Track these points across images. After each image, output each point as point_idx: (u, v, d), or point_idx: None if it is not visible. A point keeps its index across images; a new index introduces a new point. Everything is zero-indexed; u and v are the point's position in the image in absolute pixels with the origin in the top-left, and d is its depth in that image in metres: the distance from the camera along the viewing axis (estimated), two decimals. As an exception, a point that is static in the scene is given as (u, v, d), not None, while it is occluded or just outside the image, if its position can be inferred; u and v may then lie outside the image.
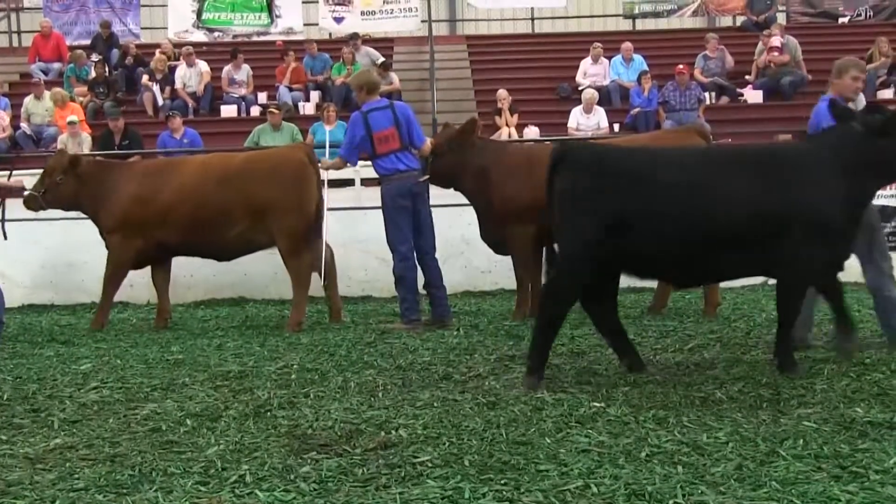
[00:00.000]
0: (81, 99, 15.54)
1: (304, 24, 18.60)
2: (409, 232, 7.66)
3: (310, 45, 16.85)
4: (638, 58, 16.12)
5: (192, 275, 9.71)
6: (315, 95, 16.01)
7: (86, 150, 13.05)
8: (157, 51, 16.72)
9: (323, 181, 8.04)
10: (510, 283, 8.57)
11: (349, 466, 4.01)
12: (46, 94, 15.02)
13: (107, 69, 16.36)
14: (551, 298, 5.48)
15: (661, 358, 6.16)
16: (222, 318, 8.79)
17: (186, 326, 8.32)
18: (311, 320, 8.12)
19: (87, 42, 17.82)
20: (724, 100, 15.98)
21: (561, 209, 5.47)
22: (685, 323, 7.51)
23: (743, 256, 5.37)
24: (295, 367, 6.16)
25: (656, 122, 14.61)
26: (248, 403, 5.17)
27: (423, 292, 7.89)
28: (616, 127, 14.58)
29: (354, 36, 16.86)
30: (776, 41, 15.98)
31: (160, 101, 15.91)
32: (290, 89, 16.01)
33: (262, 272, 9.63)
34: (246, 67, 16.28)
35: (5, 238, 8.45)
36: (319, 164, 8.07)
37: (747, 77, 16.41)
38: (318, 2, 18.15)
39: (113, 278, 8.27)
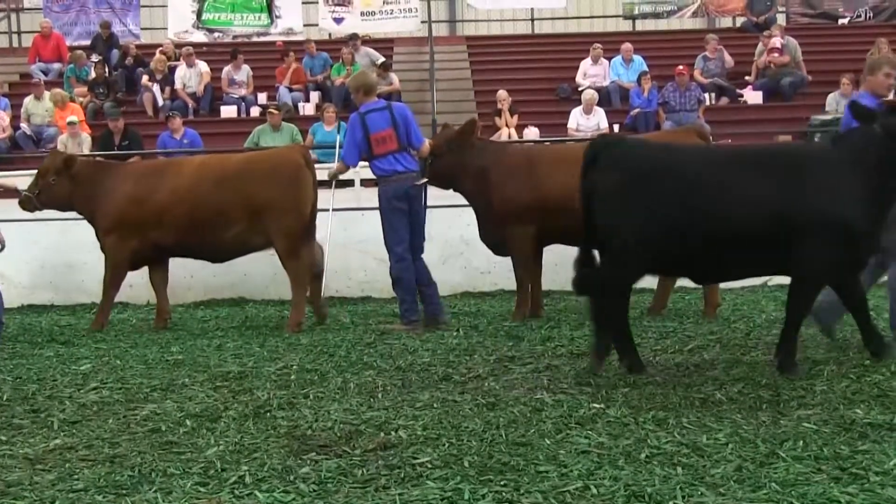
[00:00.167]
0: (81, 99, 15.53)
1: (304, 25, 18.59)
2: (406, 233, 7.65)
3: (309, 46, 16.85)
4: (638, 58, 16.11)
5: (192, 275, 9.69)
6: (315, 96, 16.01)
7: (86, 151, 13.07)
8: (157, 51, 16.70)
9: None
10: (510, 283, 8.57)
11: (349, 467, 4.01)
12: (46, 94, 15.00)
13: (107, 70, 16.35)
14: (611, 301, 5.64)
15: (661, 359, 6.16)
16: (222, 319, 8.77)
17: (186, 327, 8.31)
18: (311, 321, 8.12)
19: (87, 42, 17.81)
20: (724, 101, 15.98)
21: (608, 206, 5.54)
22: (685, 324, 7.50)
23: (765, 255, 5.46)
24: (294, 367, 6.16)
25: (656, 122, 14.61)
26: (247, 404, 5.18)
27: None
28: (616, 128, 14.55)
29: (354, 36, 16.85)
30: (776, 42, 15.97)
31: (160, 102, 15.91)
32: (290, 90, 16.01)
33: (261, 273, 9.61)
34: (246, 68, 16.28)
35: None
36: (327, 174, 8.05)
37: (747, 78, 16.40)
38: (317, 2, 18.15)
39: (113, 280, 8.24)
